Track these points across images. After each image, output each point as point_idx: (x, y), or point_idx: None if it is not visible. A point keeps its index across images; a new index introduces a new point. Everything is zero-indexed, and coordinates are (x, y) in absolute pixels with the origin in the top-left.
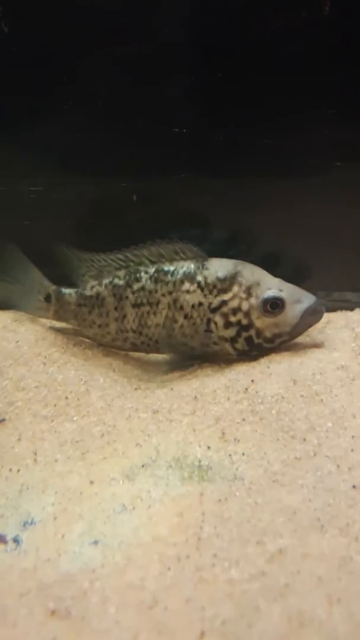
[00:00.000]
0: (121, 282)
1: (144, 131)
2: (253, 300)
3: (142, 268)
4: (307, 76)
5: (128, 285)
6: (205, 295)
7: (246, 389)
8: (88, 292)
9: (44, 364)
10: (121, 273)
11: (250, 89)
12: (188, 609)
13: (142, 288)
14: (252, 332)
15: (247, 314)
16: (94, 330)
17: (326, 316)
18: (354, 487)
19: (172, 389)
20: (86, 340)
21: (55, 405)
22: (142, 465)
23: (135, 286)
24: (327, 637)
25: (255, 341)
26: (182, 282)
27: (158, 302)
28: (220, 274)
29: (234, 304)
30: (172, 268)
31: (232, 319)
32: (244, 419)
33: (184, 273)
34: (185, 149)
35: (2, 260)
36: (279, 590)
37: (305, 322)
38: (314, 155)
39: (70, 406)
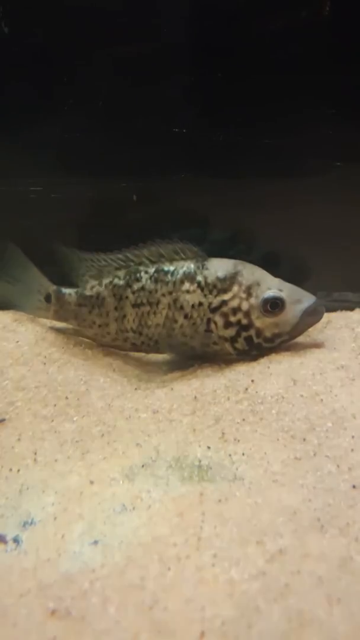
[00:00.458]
0: (121, 282)
1: (144, 131)
2: (253, 300)
3: (142, 268)
4: (307, 76)
5: (128, 285)
6: (205, 295)
7: (246, 389)
8: (88, 292)
9: (44, 364)
10: (121, 273)
11: (250, 89)
12: (188, 609)
13: (142, 288)
14: (252, 332)
15: (247, 314)
16: (94, 330)
17: (326, 316)
18: (354, 487)
19: (172, 389)
20: (86, 340)
21: (55, 405)
22: (142, 465)
23: (135, 286)
24: (327, 637)
25: (255, 341)
26: (182, 282)
27: (158, 302)
28: (220, 274)
29: (234, 303)
30: (172, 268)
31: (232, 318)
32: (244, 419)
33: (184, 273)
34: (185, 149)
35: (3, 260)
36: (279, 590)
37: (305, 322)
38: (314, 155)
39: (70, 406)
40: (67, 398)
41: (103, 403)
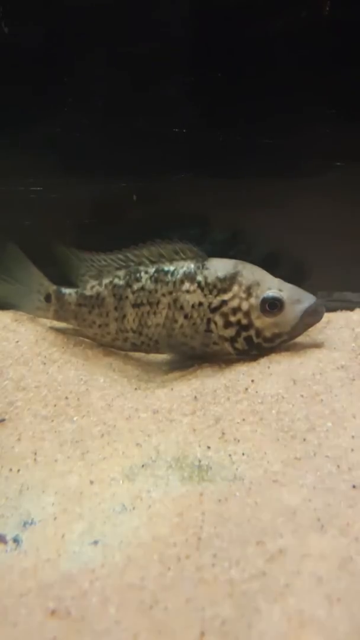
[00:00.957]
0: (121, 282)
1: (144, 131)
2: (253, 300)
3: (142, 268)
4: (307, 76)
5: (128, 285)
6: (205, 295)
7: (246, 389)
8: (88, 292)
9: (44, 364)
10: (121, 273)
11: (250, 88)
12: (188, 609)
13: (142, 288)
14: (252, 332)
15: (246, 314)
16: (94, 330)
17: (326, 316)
18: (354, 487)
19: (172, 389)
20: (86, 340)
21: (55, 405)
22: (142, 465)
23: (135, 286)
24: (327, 637)
25: (255, 341)
26: (182, 282)
27: (158, 302)
28: (220, 274)
29: (234, 303)
30: (172, 268)
31: (232, 318)
32: (244, 419)
33: (184, 273)
34: (185, 149)
35: (2, 260)
36: (279, 590)
37: (305, 322)
38: (314, 155)
39: (70, 406)
40: (67, 398)
41: (103, 403)
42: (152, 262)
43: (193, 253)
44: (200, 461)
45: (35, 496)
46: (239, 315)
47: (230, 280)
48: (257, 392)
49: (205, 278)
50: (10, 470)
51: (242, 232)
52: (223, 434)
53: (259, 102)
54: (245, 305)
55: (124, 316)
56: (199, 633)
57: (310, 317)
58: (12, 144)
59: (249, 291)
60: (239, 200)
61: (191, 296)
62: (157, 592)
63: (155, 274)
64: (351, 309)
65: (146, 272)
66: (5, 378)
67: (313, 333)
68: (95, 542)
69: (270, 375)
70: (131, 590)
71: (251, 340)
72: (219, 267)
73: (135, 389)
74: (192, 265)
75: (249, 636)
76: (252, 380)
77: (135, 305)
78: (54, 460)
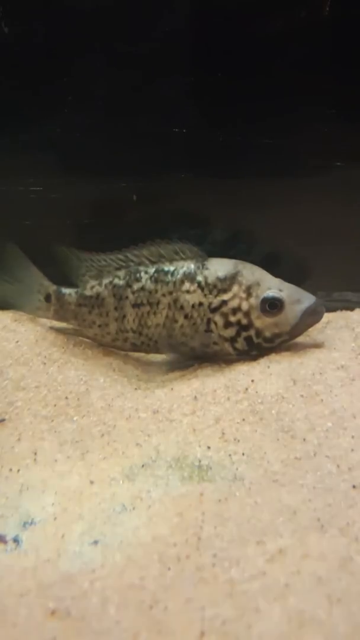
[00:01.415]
0: (121, 282)
1: (144, 131)
2: (253, 300)
3: (142, 268)
4: (307, 76)
5: (128, 285)
6: (205, 295)
7: (246, 389)
8: (88, 292)
9: (44, 364)
10: (121, 273)
11: (250, 88)
12: (188, 609)
13: (142, 288)
14: (252, 332)
15: (246, 314)
16: (94, 331)
17: (326, 316)
18: (354, 487)
19: (172, 389)
20: (86, 340)
21: (55, 405)
22: (142, 465)
23: (135, 286)
24: (327, 637)
25: (255, 341)
26: (182, 282)
27: (158, 302)
28: (221, 274)
29: (233, 303)
30: (172, 268)
31: (232, 318)
32: (244, 419)
33: (184, 273)
34: (185, 149)
35: (2, 260)
36: (279, 590)
37: (305, 322)
38: (314, 155)
39: (70, 406)
40: (67, 398)
41: (103, 403)
42: (152, 262)
43: (193, 253)
44: (200, 461)
45: (35, 496)
46: (239, 315)
47: (230, 280)
48: (257, 392)
49: (206, 278)
50: (10, 470)
51: (242, 232)
52: (223, 434)
53: (259, 102)
54: (245, 305)
55: (124, 316)
56: (199, 633)
57: (310, 317)
58: (12, 144)
59: (249, 291)
60: (239, 200)
61: (191, 296)
62: (157, 592)
63: (155, 274)
64: (351, 309)
65: (146, 272)
66: (5, 378)
67: (313, 333)
68: (95, 542)
69: (270, 375)
70: (131, 590)
71: (251, 340)
72: (219, 267)
73: (135, 389)
74: (192, 266)
75: (249, 636)
76: (252, 380)
77: (135, 306)
78: (54, 460)
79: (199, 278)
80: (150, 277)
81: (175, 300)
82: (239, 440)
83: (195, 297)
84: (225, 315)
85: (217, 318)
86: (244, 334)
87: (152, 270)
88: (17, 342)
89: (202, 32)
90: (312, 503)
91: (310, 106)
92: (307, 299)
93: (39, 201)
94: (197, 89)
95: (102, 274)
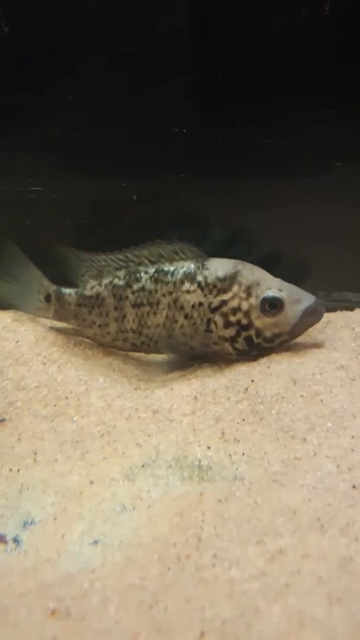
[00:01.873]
0: (121, 282)
1: (144, 131)
2: (253, 300)
3: (142, 268)
4: (307, 76)
5: (128, 285)
6: (205, 295)
7: (246, 389)
8: (88, 292)
9: (44, 364)
10: (121, 273)
11: (250, 88)
12: (188, 609)
13: (142, 288)
14: (252, 332)
15: (246, 314)
16: (94, 331)
17: (326, 316)
18: (354, 487)
19: (172, 389)
20: (86, 340)
21: (55, 405)
22: (142, 465)
23: (135, 286)
24: (327, 637)
25: (255, 341)
26: (182, 282)
27: (158, 302)
28: (220, 274)
29: (233, 303)
30: (172, 268)
31: (232, 318)
32: (244, 419)
33: (184, 273)
34: (185, 149)
35: (2, 260)
36: (279, 590)
37: (304, 322)
38: (314, 155)
39: (70, 406)
40: (67, 398)
41: (103, 403)
42: (152, 263)
43: (193, 253)
44: (200, 461)
45: (35, 496)
46: (239, 315)
47: (230, 280)
48: (257, 392)
49: (205, 278)
50: (10, 470)
51: (242, 232)
52: (223, 434)
53: (259, 102)
54: (245, 305)
55: (124, 316)
56: (199, 633)
57: (310, 317)
58: (12, 144)
59: (248, 291)
60: (239, 200)
61: (191, 296)
62: (157, 592)
63: (155, 274)
64: (351, 309)
65: (146, 272)
66: (5, 378)
67: (313, 333)
68: (95, 542)
69: (270, 375)
70: (131, 590)
71: (251, 340)
72: (219, 267)
73: (135, 389)
74: (192, 266)
75: (249, 636)
76: (252, 380)
77: (135, 306)
78: (54, 460)
79: (199, 278)
80: (150, 277)
81: (175, 301)
82: (239, 440)
83: (195, 297)
84: (225, 315)
85: (217, 318)
86: (244, 333)
87: (152, 270)
88: (17, 342)
89: (202, 32)
90: (312, 503)
91: (310, 106)
92: (307, 299)
93: (39, 201)
94: (197, 89)
95: (102, 274)
